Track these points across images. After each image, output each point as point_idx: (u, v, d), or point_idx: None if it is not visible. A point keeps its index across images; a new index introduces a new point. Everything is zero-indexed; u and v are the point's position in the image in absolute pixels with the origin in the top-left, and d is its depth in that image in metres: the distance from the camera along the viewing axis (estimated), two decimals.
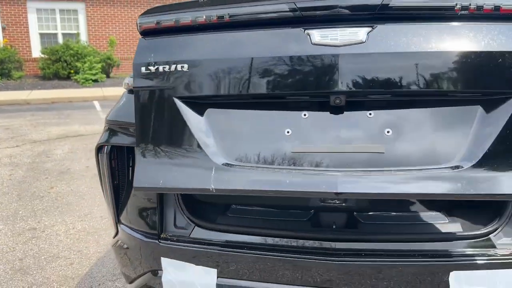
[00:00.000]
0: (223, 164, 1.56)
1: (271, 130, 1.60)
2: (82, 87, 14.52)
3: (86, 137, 7.87)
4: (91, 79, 14.77)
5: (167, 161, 1.60)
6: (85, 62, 14.93)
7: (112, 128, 1.97)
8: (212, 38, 1.65)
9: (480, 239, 1.72)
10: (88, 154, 6.68)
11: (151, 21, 1.71)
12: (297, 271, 1.75)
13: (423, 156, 1.47)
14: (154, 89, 1.66)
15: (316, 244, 1.76)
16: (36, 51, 16.18)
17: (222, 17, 1.62)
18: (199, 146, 1.59)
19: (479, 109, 1.50)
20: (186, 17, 1.67)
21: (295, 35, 1.55)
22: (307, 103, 1.61)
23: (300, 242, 1.78)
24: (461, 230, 1.77)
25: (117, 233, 2.12)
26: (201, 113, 1.66)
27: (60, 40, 16.40)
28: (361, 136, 1.52)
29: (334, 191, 1.40)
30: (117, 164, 2.00)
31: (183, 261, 1.86)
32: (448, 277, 1.66)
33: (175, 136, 1.63)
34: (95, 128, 8.70)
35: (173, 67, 1.63)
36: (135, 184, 1.63)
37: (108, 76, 15.87)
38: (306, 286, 1.75)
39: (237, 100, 1.66)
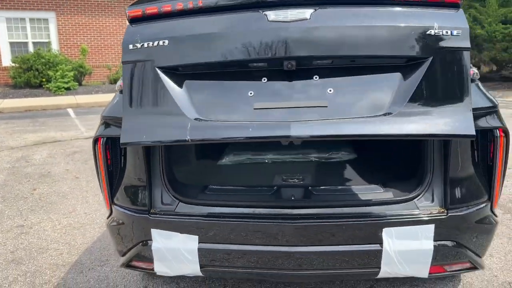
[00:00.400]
0: (197, 119, 1.94)
1: (237, 93, 2.01)
2: (54, 95, 14.59)
3: (63, 143, 8.08)
4: (63, 87, 14.85)
5: (149, 120, 1.97)
6: (57, 71, 14.99)
7: (107, 122, 2.34)
8: (187, 20, 2.07)
9: (406, 203, 2.19)
10: (67, 158, 6.92)
11: (137, 10, 2.11)
12: (264, 234, 2.17)
13: (359, 107, 1.91)
14: (139, 62, 2.05)
15: (279, 211, 2.19)
16: (7, 60, 16.12)
17: (196, 4, 2.04)
18: (177, 106, 1.96)
19: (400, 70, 1.97)
20: (165, 5, 2.07)
21: (255, 15, 1.99)
22: (266, 71, 2.03)
23: (266, 210, 2.21)
24: (392, 196, 2.23)
25: (111, 214, 2.48)
26: (178, 80, 2.05)
27: (31, 49, 16.39)
28: (309, 94, 1.94)
29: (287, 134, 1.80)
30: (111, 153, 2.37)
31: (169, 231, 2.25)
32: (381, 233, 2.12)
33: (156, 99, 2.01)
34: (71, 134, 8.90)
35: (155, 43, 2.02)
36: (122, 140, 1.99)
37: (80, 84, 15.95)
38: (273, 245, 2.18)
39: (209, 70, 2.07)
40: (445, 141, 2.19)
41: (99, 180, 2.44)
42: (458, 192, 2.18)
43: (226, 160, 3.14)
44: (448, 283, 2.93)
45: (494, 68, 13.47)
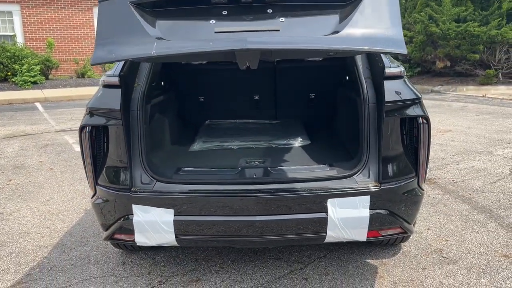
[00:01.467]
0: (162, 39, 2.19)
1: (200, 22, 2.28)
2: (21, 89, 14.44)
3: (35, 136, 8.20)
4: (30, 81, 14.71)
5: (119, 41, 2.19)
6: (23, 64, 14.82)
7: (92, 112, 2.69)
8: None
9: (347, 178, 2.64)
10: (39, 150, 7.08)
11: None
12: (231, 206, 2.58)
13: (308, 30, 2.25)
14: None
15: (243, 188, 2.60)
16: None
17: None
18: (145, 31, 2.20)
19: (342, 7, 2.28)
20: None
21: None
22: (226, 6, 2.27)
23: (232, 187, 2.61)
24: (336, 173, 2.67)
25: (95, 194, 2.83)
26: (148, 15, 2.27)
27: None
28: (263, 22, 2.25)
29: (244, 46, 2.03)
30: (95, 140, 2.72)
31: (148, 206, 2.62)
32: (326, 203, 2.56)
33: (124, 25, 2.24)
34: (42, 128, 9.01)
35: None
36: (92, 62, 2.18)
37: (47, 78, 15.81)
38: (238, 215, 2.58)
39: (176, 7, 2.31)
40: (378, 126, 2.65)
41: (84, 164, 2.77)
42: (390, 169, 2.65)
43: (197, 147, 3.53)
44: (389, 251, 3.42)
45: (448, 64, 14.28)
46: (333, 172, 2.69)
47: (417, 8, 15.08)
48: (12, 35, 16.35)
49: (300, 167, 2.84)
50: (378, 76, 2.68)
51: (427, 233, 3.75)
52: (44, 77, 15.40)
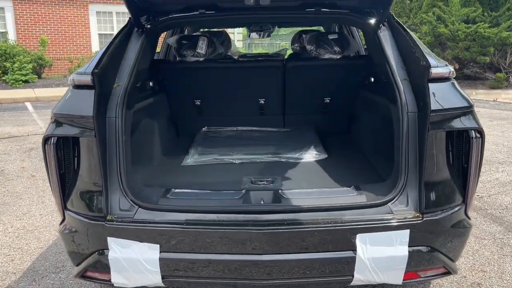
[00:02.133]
0: None
1: None
2: (12, 88, 13.89)
3: (20, 138, 7.65)
4: (21, 80, 14.16)
5: None
6: (14, 62, 14.29)
7: (58, 120, 2.13)
8: None
9: (380, 207, 2.08)
10: (23, 155, 6.54)
11: None
12: (232, 241, 2.02)
13: None
14: None
15: (247, 217, 2.04)
16: None
17: None
18: None
19: None
20: None
21: None
22: None
23: (234, 216, 2.05)
24: (366, 200, 2.12)
25: (64, 219, 2.27)
26: None
27: None
28: None
29: None
30: (63, 154, 2.16)
31: (128, 239, 2.06)
32: (355, 238, 2.01)
33: None
34: (28, 129, 8.46)
35: None
36: None
37: (40, 77, 15.27)
38: (240, 253, 2.03)
39: None
40: (420, 141, 2.11)
41: (50, 183, 2.23)
42: (433, 196, 2.10)
43: (191, 160, 2.96)
44: (418, 285, 2.88)
45: (457, 66, 13.77)
46: (362, 198, 2.14)
47: (422, 9, 14.64)
48: (4, 32, 15.79)
49: (319, 190, 2.28)
50: (420, 77, 2.13)
51: (459, 261, 3.21)
52: (36, 76, 14.86)
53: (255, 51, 21.23)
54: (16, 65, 14.24)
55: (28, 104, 11.88)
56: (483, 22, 12.71)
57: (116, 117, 2.17)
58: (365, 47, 4.04)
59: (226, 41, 4.05)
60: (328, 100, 3.63)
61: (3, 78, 14.31)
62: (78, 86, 2.15)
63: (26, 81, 14.33)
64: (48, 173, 2.20)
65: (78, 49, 16.98)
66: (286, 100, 3.67)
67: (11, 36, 15.87)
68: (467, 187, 2.13)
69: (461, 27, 12.79)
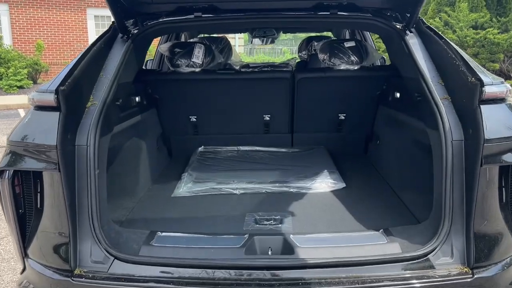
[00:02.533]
0: None
1: None
2: (6, 94, 13.51)
3: None
4: (15, 85, 13.78)
5: None
6: (9, 68, 13.90)
7: (14, 151, 1.71)
8: None
9: (419, 260, 1.66)
10: None
11: None
12: None
13: None
14: None
15: (251, 274, 1.61)
16: None
17: None
18: None
19: None
20: None
21: None
22: None
23: (234, 273, 1.62)
24: (400, 251, 1.69)
25: (24, 269, 1.85)
26: None
27: None
28: None
29: None
30: (22, 191, 1.74)
31: None
32: None
33: None
34: None
35: None
36: None
37: (35, 83, 14.89)
38: None
39: None
40: (469, 177, 1.68)
41: (7, 223, 1.81)
42: (485, 246, 1.67)
43: (184, 189, 2.51)
44: None
45: None
46: (395, 248, 1.70)
47: (428, 14, 14.31)
48: None
49: (341, 236, 1.84)
50: (468, 97, 1.70)
51: None
52: (32, 81, 14.48)
53: (256, 56, 20.78)
54: (11, 70, 13.85)
55: (21, 111, 11.49)
56: (492, 28, 12.35)
57: (88, 145, 1.74)
58: (384, 57, 3.62)
59: (227, 48, 3.64)
60: (343, 117, 3.18)
61: None
62: (39, 107, 1.73)
63: (21, 87, 13.95)
64: (4, 214, 1.77)
65: (76, 54, 16.57)
66: (295, 116, 3.22)
67: (7, 41, 15.49)
68: None
69: (469, 33, 12.44)
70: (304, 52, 3.82)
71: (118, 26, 2.26)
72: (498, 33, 12.21)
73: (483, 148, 1.61)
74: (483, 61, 12.41)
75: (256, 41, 4.54)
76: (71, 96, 1.73)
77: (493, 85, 1.68)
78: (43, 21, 16.04)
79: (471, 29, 12.68)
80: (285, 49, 21.72)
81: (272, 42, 4.76)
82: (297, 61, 4.02)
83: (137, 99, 2.57)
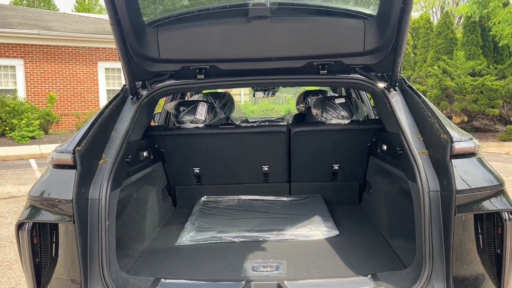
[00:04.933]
0: None
1: None
2: (18, 144, 13.87)
3: (19, 199, 7.42)
4: (28, 136, 14.17)
5: None
6: (22, 119, 14.35)
7: (34, 205, 1.90)
8: None
9: None
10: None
11: None
12: None
13: None
14: None
15: None
16: None
17: None
18: None
19: None
20: None
21: None
22: None
23: None
24: None
25: None
26: None
27: None
28: None
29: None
30: (39, 241, 1.92)
31: None
32: None
33: None
34: (29, 189, 8.25)
35: None
36: None
37: (46, 133, 15.30)
38: None
39: None
40: (445, 226, 1.83)
41: (24, 272, 1.97)
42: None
43: (187, 238, 2.68)
44: None
45: (466, 119, 13.58)
46: None
47: (427, 62, 14.71)
48: (13, 90, 16.02)
49: (332, 282, 1.97)
50: (441, 151, 1.89)
51: None
52: (43, 132, 14.89)
53: (262, 104, 21.31)
54: (23, 121, 14.29)
55: (32, 161, 11.77)
56: (489, 75, 12.64)
57: (100, 198, 1.93)
58: (375, 112, 3.84)
59: (229, 103, 3.89)
60: (337, 167, 3.38)
61: (10, 134, 14.34)
62: (57, 166, 1.94)
63: (32, 137, 14.34)
64: (22, 262, 1.94)
65: (86, 105, 17.13)
66: (292, 166, 3.44)
67: (21, 93, 16.07)
68: (502, 276, 1.83)
69: (467, 80, 12.73)
70: (301, 105, 4.07)
71: (130, 88, 2.48)
72: (496, 79, 12.47)
73: (455, 198, 1.78)
74: (483, 107, 12.62)
75: (259, 94, 4.82)
76: (86, 155, 1.94)
77: (461, 141, 1.87)
78: (56, 74, 16.64)
79: (469, 76, 12.97)
80: (289, 96, 22.18)
81: (273, 94, 5.03)
82: (295, 113, 4.27)
83: (145, 153, 2.78)
